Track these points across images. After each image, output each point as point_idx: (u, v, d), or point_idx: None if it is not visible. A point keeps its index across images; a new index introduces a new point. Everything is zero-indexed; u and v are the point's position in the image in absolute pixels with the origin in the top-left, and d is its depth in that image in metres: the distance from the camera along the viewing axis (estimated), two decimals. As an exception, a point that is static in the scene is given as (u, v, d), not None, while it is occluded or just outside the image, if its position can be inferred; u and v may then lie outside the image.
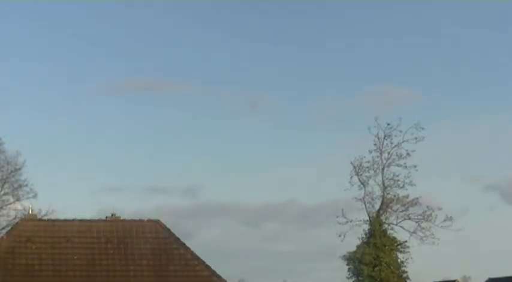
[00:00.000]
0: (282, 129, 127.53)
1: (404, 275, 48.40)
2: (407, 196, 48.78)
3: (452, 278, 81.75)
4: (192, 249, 45.08)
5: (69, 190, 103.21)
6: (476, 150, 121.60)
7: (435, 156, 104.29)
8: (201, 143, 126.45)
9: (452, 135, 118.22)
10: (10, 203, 52.26)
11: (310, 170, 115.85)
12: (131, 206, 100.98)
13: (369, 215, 48.85)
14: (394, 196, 48.84)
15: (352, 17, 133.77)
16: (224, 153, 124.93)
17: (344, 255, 48.57)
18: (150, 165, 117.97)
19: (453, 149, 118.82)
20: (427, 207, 48.57)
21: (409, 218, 48.80)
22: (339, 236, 48.56)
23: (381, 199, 48.87)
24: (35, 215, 48.07)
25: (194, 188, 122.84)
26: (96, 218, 47.35)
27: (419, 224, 48.46)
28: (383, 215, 48.80)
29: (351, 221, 48.55)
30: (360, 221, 48.84)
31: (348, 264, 48.49)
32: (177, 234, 45.84)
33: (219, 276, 43.28)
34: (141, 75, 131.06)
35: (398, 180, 48.77)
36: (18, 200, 52.24)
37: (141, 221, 45.96)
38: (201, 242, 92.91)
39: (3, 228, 50.50)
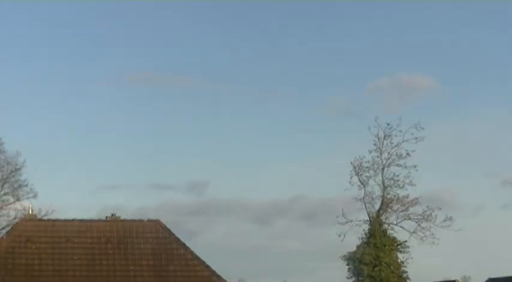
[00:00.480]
0: (285, 126, 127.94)
1: (404, 275, 48.42)
2: (407, 196, 48.84)
3: (452, 278, 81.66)
4: (193, 248, 45.08)
5: (69, 190, 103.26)
6: (492, 147, 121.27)
7: (451, 154, 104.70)
8: (203, 141, 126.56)
9: (461, 133, 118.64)
10: (10, 203, 52.37)
11: (315, 167, 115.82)
12: (134, 204, 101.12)
13: (368, 215, 48.89)
14: (394, 196, 48.89)
15: (351, 16, 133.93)
16: (226, 151, 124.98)
17: (344, 255, 48.61)
18: (152, 163, 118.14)
19: (467, 146, 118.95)
20: (427, 207, 48.70)
21: (409, 218, 48.84)
22: (339, 236, 48.69)
23: (380, 199, 48.91)
24: (35, 215, 48.04)
25: (197, 185, 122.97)
26: (96, 218, 47.37)
27: (419, 224, 48.51)
28: (383, 215, 48.83)
29: (351, 221, 48.65)
30: (360, 221, 48.95)
31: (348, 264, 48.53)
32: (180, 232, 45.90)
33: (219, 276, 43.25)
34: (142, 74, 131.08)
35: (398, 180, 48.86)
36: (18, 200, 52.36)
37: (141, 221, 45.95)
38: (204, 240, 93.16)
39: (3, 228, 50.55)
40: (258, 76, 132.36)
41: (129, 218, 46.81)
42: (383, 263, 47.55)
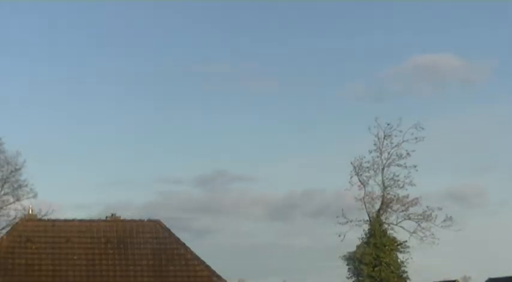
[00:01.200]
0: (287, 125, 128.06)
1: (404, 275, 48.42)
2: (407, 196, 48.85)
3: (452, 278, 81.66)
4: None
5: (69, 190, 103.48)
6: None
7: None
8: (202, 140, 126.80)
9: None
10: (10, 203, 52.35)
11: (321, 164, 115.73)
12: (136, 201, 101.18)
13: (368, 215, 48.89)
14: (394, 196, 48.90)
15: (350, 15, 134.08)
16: (229, 149, 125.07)
17: (344, 255, 48.60)
18: (153, 161, 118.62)
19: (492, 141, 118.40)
20: (427, 207, 48.72)
21: (409, 218, 48.85)
22: (339, 236, 48.68)
23: (380, 199, 48.91)
24: (35, 215, 47.96)
25: (202, 182, 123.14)
26: (97, 217, 47.36)
27: (419, 224, 48.53)
28: (383, 215, 48.83)
29: (351, 221, 48.64)
30: (360, 221, 48.94)
31: (348, 264, 48.52)
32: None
33: (219, 276, 43.22)
34: (142, 73, 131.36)
35: (398, 180, 48.88)
36: (18, 200, 52.35)
37: (141, 221, 45.92)
38: (208, 237, 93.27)
39: (3, 228, 50.53)
40: (260, 74, 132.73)
41: (129, 218, 46.84)
42: (383, 263, 47.55)
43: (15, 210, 51.76)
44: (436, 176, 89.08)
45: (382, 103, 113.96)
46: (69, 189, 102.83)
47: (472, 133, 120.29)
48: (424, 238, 48.28)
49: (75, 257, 43.01)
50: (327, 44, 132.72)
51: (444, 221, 48.39)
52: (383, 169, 49.07)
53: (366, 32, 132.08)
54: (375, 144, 49.25)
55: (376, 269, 47.49)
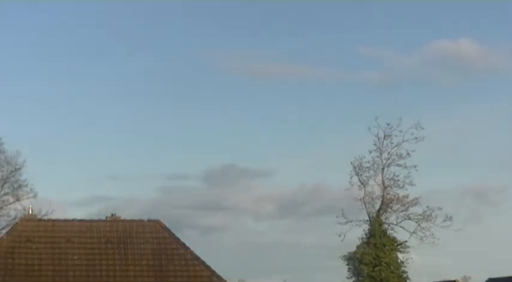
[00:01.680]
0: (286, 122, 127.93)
1: (404, 275, 48.42)
2: (407, 196, 48.86)
3: (452, 278, 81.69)
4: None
5: (69, 190, 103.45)
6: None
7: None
8: (199, 138, 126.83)
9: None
10: (10, 203, 52.34)
11: (321, 164, 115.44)
12: (138, 200, 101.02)
13: (368, 215, 48.89)
14: (394, 196, 48.89)
15: (350, 13, 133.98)
16: (229, 149, 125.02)
17: (344, 255, 48.60)
18: (154, 160, 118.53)
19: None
20: (427, 207, 48.74)
21: (409, 218, 48.87)
22: (339, 236, 48.69)
23: (380, 199, 48.92)
24: (35, 215, 47.93)
25: (207, 178, 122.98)
26: (97, 217, 47.37)
27: (419, 224, 48.54)
28: (383, 215, 48.83)
29: (351, 221, 48.64)
30: (360, 221, 48.95)
31: (348, 264, 48.53)
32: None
33: (219, 277, 43.21)
34: (142, 72, 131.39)
35: (398, 180, 48.90)
36: (18, 200, 52.33)
37: (141, 221, 45.92)
38: (213, 235, 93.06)
39: (3, 228, 50.52)
40: (260, 73, 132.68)
41: (133, 216, 46.94)
42: (383, 263, 47.54)
43: (15, 210, 51.80)
44: (437, 175, 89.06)
45: (382, 103, 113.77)
46: (69, 189, 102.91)
47: (483, 131, 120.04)
48: (424, 238, 48.34)
49: (75, 257, 43.00)
50: (327, 43, 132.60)
51: (444, 221, 48.43)
52: (383, 169, 49.12)
53: (365, 31, 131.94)
54: (374, 144, 49.34)
55: (376, 269, 47.49)
